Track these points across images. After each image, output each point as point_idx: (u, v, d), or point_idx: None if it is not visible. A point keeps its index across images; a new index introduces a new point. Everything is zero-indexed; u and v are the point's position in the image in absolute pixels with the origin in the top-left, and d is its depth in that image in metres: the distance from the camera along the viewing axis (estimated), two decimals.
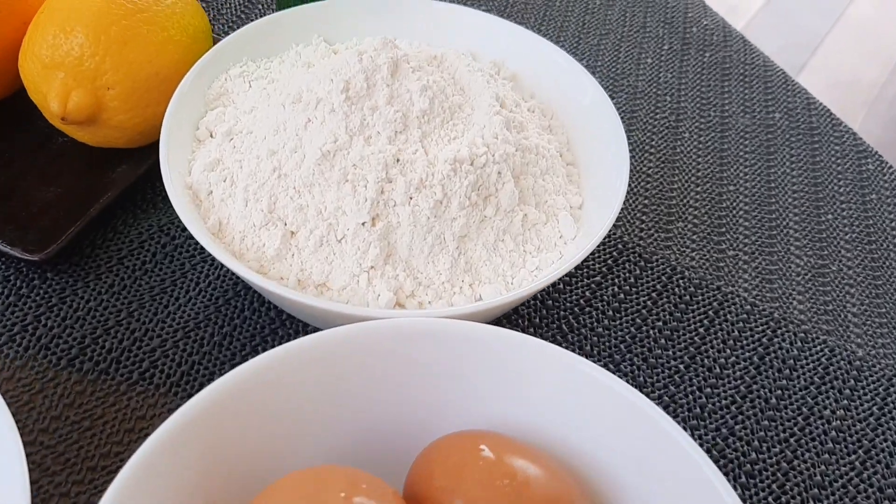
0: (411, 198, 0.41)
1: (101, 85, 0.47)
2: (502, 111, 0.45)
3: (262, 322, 0.47)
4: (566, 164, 0.49)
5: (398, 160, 0.42)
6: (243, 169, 0.44)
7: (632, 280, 0.51)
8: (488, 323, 0.35)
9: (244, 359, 0.45)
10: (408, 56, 0.45)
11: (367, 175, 0.41)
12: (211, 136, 0.47)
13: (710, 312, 0.51)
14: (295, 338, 0.46)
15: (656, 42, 0.69)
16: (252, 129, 0.46)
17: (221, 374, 0.38)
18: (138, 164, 0.52)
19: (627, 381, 0.45)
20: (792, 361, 0.49)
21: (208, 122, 0.47)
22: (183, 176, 0.45)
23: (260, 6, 0.68)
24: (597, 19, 0.71)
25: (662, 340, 0.49)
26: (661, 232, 0.55)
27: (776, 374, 0.48)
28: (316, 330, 0.42)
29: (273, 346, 0.45)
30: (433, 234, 0.42)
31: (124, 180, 0.51)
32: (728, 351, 0.49)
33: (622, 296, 0.51)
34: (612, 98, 0.63)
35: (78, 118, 0.47)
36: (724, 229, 0.56)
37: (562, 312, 0.49)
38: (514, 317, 0.49)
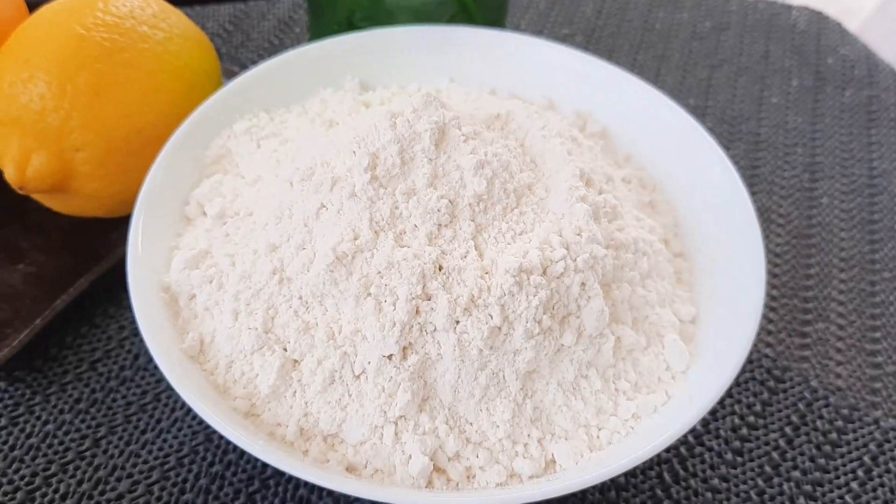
0: (458, 322, 0.29)
1: (68, 146, 0.37)
2: (588, 194, 0.32)
3: None
4: (673, 256, 0.37)
5: (441, 267, 0.30)
6: (236, 267, 0.33)
7: (758, 408, 0.38)
8: None
9: None
10: (458, 119, 0.33)
11: (396, 288, 0.30)
12: (204, 213, 0.36)
13: (867, 459, 0.37)
14: (304, 483, 0.35)
15: (783, 76, 0.55)
16: (252, 211, 0.35)
17: None
18: (122, 239, 0.41)
19: None
20: None
21: (201, 194, 0.37)
22: (161, 272, 0.34)
23: (298, 29, 0.57)
24: (707, 47, 0.57)
25: (802, 499, 0.36)
26: (794, 336, 0.41)
27: None
28: None
29: (276, 495, 0.34)
30: (488, 372, 0.30)
31: (109, 258, 0.40)
32: None
33: (745, 430, 0.38)
34: (727, 149, 0.50)
35: (40, 187, 0.37)
36: (879, 334, 0.42)
37: (663, 454, 0.37)
38: None
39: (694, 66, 0.56)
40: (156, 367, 0.38)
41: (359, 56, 0.43)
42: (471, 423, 0.30)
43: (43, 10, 0.40)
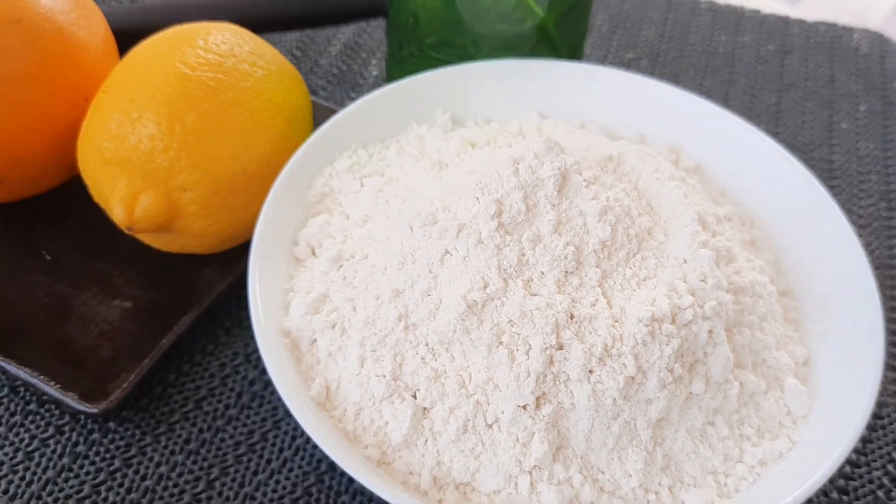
0: (591, 371, 0.30)
1: (176, 186, 0.37)
2: (710, 239, 0.33)
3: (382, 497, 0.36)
4: (778, 295, 0.37)
5: (572, 316, 0.30)
6: (357, 313, 0.33)
7: (858, 444, 0.39)
8: None
9: None
10: (579, 164, 0.33)
11: (529, 338, 0.30)
12: (313, 253, 0.37)
13: None
14: None
15: (850, 101, 0.56)
16: (368, 253, 0.35)
17: None
18: (222, 273, 0.41)
19: None
20: None
21: (310, 235, 0.37)
22: (279, 316, 0.34)
23: (364, 54, 0.58)
24: (772, 71, 0.58)
25: None
26: (887, 370, 0.42)
27: None
28: None
29: None
30: (620, 421, 0.30)
31: (206, 294, 0.40)
32: None
33: (847, 468, 0.38)
34: None
35: (147, 227, 0.37)
36: None
37: None
38: None
39: (761, 91, 0.56)
40: (260, 406, 0.38)
41: (449, 90, 0.43)
42: (603, 472, 0.30)
43: (142, 48, 0.40)
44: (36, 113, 0.39)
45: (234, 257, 0.41)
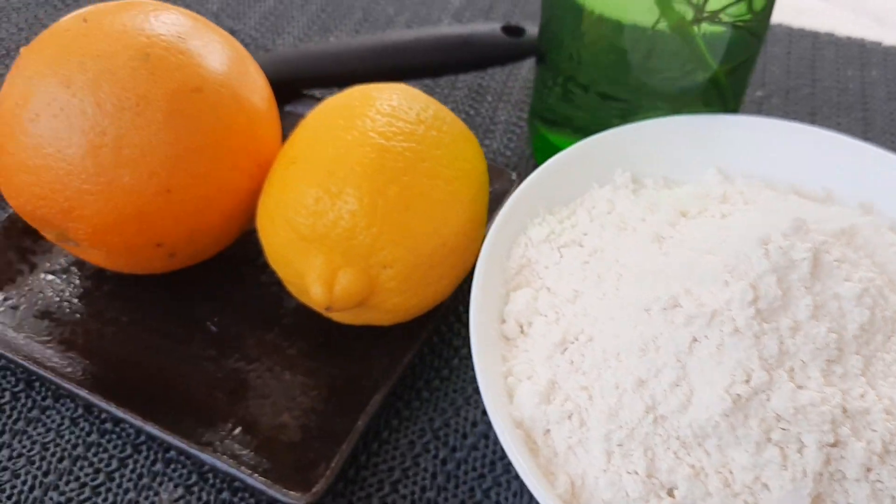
0: (870, 469, 0.28)
1: (376, 262, 0.35)
2: None
3: None
4: None
5: (845, 410, 0.29)
6: (594, 403, 0.31)
7: None
8: None
9: None
10: (827, 243, 0.31)
11: (802, 435, 0.28)
12: (521, 331, 0.35)
13: None
14: None
15: None
16: (591, 335, 0.33)
17: None
18: (399, 346, 0.40)
19: None
20: None
21: (517, 311, 0.35)
22: (505, 404, 0.32)
23: (489, 98, 0.56)
24: None
25: None
26: None
27: None
28: None
29: None
30: None
31: (391, 368, 0.39)
32: None
33: None
34: None
35: (346, 305, 0.35)
36: None
37: None
38: None
39: None
40: (456, 487, 0.37)
41: (627, 149, 0.41)
42: None
43: (320, 115, 0.38)
44: (215, 185, 0.37)
45: (406, 334, 0.40)
